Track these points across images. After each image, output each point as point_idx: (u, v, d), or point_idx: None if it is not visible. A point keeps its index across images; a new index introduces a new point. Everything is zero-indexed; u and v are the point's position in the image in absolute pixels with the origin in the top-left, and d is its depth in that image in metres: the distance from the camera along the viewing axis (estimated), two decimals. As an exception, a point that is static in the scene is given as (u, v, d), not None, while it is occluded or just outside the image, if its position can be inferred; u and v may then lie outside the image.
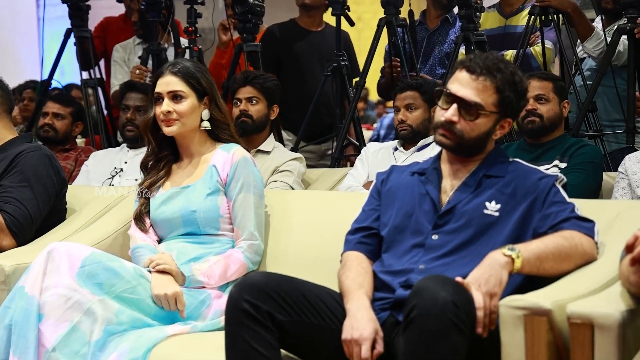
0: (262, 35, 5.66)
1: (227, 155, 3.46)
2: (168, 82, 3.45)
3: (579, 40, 5.07)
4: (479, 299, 2.62)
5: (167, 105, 3.43)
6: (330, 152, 5.55)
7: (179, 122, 3.44)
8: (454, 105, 2.90)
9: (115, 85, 5.79)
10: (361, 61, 5.32)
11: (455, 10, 5.30)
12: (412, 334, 2.56)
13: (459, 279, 2.66)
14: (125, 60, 5.91)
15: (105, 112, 5.86)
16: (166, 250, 3.39)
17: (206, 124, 3.49)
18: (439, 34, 5.43)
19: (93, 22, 5.88)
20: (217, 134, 3.52)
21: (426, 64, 5.40)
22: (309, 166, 4.94)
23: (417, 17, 5.49)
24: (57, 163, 3.87)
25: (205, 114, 3.48)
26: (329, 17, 5.47)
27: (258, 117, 4.49)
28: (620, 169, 4.02)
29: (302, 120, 5.34)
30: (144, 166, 3.57)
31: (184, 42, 5.65)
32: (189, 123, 3.46)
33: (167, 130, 3.45)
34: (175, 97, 3.44)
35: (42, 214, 3.74)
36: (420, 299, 2.55)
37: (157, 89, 3.46)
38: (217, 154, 3.49)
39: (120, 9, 6.29)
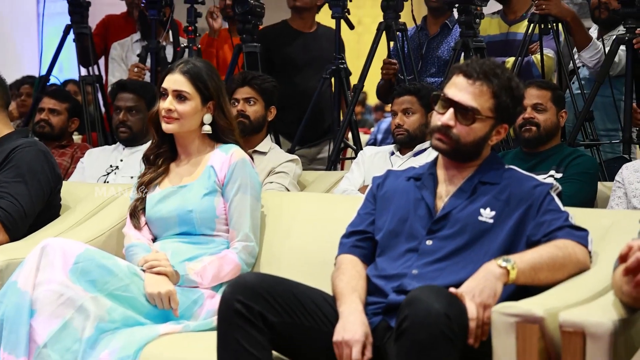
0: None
1: (225, 156, 3.46)
2: (175, 80, 3.44)
3: (575, 49, 5.07)
4: (472, 310, 2.63)
5: (169, 103, 3.43)
6: (320, 155, 5.56)
7: (178, 122, 3.44)
8: (451, 110, 2.90)
9: (112, 82, 5.78)
10: (360, 65, 5.33)
11: (456, 15, 5.31)
12: (403, 345, 2.57)
13: (452, 289, 2.67)
14: (122, 58, 5.92)
15: (103, 109, 5.86)
16: (160, 250, 3.38)
17: (207, 128, 3.48)
18: (439, 40, 5.43)
19: (93, 18, 5.87)
20: (220, 137, 3.51)
21: (426, 70, 5.40)
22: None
23: (418, 22, 5.51)
24: (52, 159, 3.86)
25: (207, 118, 3.47)
26: (328, 20, 5.46)
27: (255, 118, 4.49)
28: (617, 177, 4.02)
29: (293, 121, 5.35)
30: (146, 158, 3.57)
31: (182, 41, 5.65)
32: (188, 124, 3.46)
33: (166, 127, 3.45)
34: (180, 96, 3.43)
35: (35, 209, 3.74)
36: (413, 310, 2.56)
37: (164, 85, 3.46)
38: (215, 154, 3.49)
39: (121, 7, 6.29)
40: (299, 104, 5.39)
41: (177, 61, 3.55)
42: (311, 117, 5.32)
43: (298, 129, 5.29)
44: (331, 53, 5.40)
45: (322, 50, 5.53)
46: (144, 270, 3.26)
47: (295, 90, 5.50)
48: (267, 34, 5.66)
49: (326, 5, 5.50)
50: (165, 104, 3.43)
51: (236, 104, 4.50)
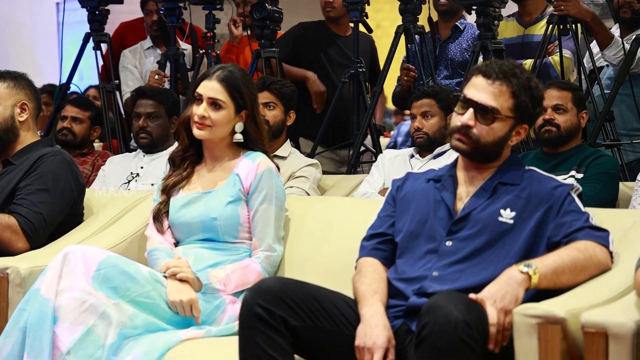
0: (290, 29, 5.70)
1: (251, 165, 3.45)
2: (211, 87, 3.42)
3: (593, 49, 5.05)
4: (493, 315, 2.62)
5: (203, 109, 3.41)
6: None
7: (210, 129, 3.42)
8: (470, 110, 2.90)
9: (126, 92, 5.79)
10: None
11: (470, 18, 5.30)
12: (423, 353, 2.57)
13: (472, 295, 2.67)
14: (136, 65, 5.92)
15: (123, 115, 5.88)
16: (183, 255, 3.38)
17: (239, 137, 3.47)
18: (450, 43, 5.44)
19: (112, 27, 5.91)
20: (249, 145, 3.50)
21: (439, 74, 5.40)
22: (328, 172, 4.92)
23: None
24: (76, 169, 3.87)
25: (239, 126, 3.46)
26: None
27: (275, 123, 4.51)
28: (639, 177, 4.00)
29: (315, 121, 5.35)
30: (172, 160, 3.56)
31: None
32: (220, 132, 3.44)
33: (197, 133, 3.44)
34: (214, 104, 3.41)
35: (56, 218, 3.75)
36: (433, 317, 2.56)
37: (199, 90, 3.44)
38: (241, 162, 3.48)
39: (139, 14, 6.30)
40: (329, 105, 5.38)
41: (214, 67, 3.53)
42: (338, 120, 5.32)
43: (319, 130, 5.29)
44: (366, 59, 5.43)
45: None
46: (166, 277, 3.27)
47: (327, 92, 5.53)
48: (305, 29, 5.67)
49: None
50: (199, 110, 3.42)
51: (255, 108, 4.53)
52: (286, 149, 4.58)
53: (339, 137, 5.49)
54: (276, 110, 4.53)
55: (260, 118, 3.53)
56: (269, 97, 4.53)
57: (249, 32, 5.86)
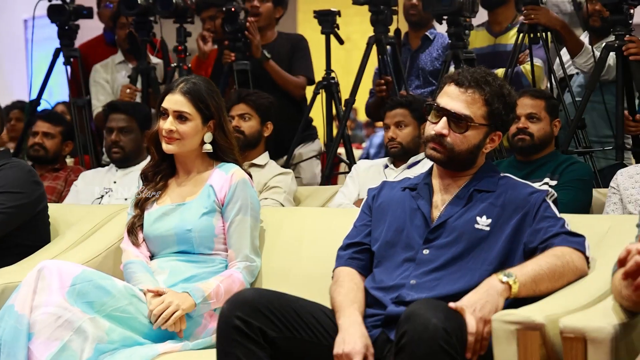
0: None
1: (225, 176, 3.45)
2: (176, 101, 3.42)
3: (563, 57, 5.08)
4: (472, 324, 2.62)
5: (170, 123, 3.41)
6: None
7: (179, 142, 3.42)
8: (444, 119, 2.91)
9: (97, 107, 5.75)
10: (350, 80, 5.33)
11: (440, 27, 5.31)
12: None
13: (452, 304, 2.67)
14: (108, 80, 5.89)
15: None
16: (158, 269, 3.37)
17: (208, 147, 3.47)
18: (420, 53, 5.45)
19: (80, 42, 5.88)
20: (220, 155, 3.51)
21: (411, 84, 5.40)
22: None
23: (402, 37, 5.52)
24: (36, 178, 3.84)
25: (208, 137, 3.46)
26: (318, 35, 5.45)
27: (250, 133, 4.56)
28: (612, 184, 4.03)
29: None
30: (144, 176, 3.56)
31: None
32: (189, 144, 3.44)
33: (167, 148, 3.44)
34: (180, 117, 3.41)
35: (11, 221, 3.72)
36: (412, 325, 2.55)
37: (164, 104, 3.44)
38: (215, 173, 3.47)
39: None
40: None
41: (177, 80, 3.52)
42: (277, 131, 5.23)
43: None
44: (286, 61, 5.38)
45: (280, 58, 5.47)
46: (143, 292, 3.25)
47: None
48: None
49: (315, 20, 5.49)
50: (166, 124, 3.41)
51: (231, 120, 4.55)
52: (264, 158, 4.62)
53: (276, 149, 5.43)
54: (252, 122, 4.58)
55: (229, 127, 3.53)
56: (245, 108, 4.57)
57: (216, 46, 5.83)
